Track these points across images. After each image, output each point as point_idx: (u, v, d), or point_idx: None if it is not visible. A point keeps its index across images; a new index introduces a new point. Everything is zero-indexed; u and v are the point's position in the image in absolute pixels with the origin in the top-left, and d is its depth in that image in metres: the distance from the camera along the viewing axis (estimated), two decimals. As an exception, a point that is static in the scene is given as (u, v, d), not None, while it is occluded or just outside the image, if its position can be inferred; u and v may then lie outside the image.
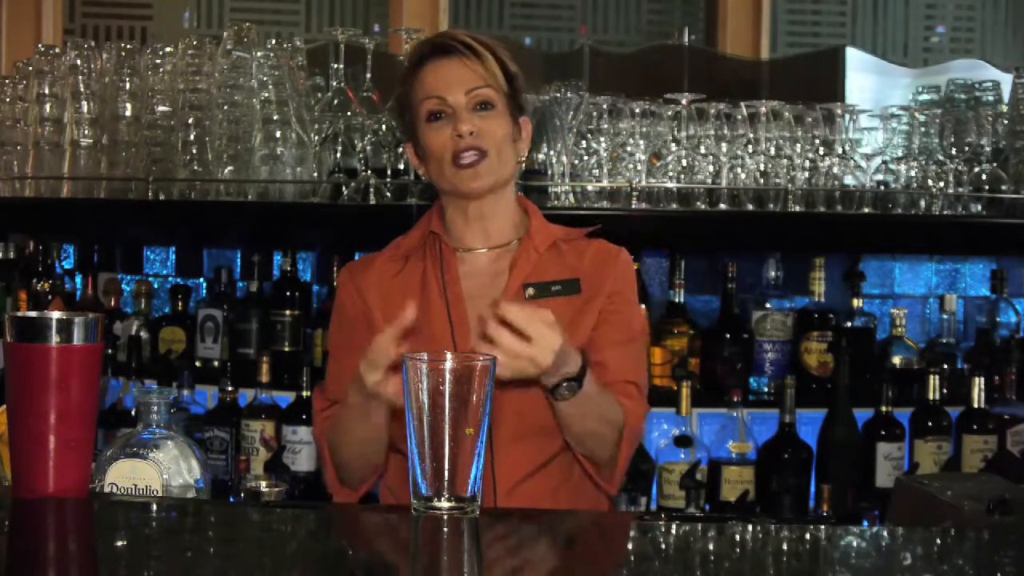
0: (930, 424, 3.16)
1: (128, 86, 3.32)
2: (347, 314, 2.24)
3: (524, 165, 2.33)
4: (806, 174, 3.20)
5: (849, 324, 3.27)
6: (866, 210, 3.19)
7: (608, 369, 2.13)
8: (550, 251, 2.21)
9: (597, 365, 2.08)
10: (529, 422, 2.12)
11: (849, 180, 3.26)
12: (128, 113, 3.31)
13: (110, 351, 3.25)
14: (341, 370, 2.16)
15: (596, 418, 2.07)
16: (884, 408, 3.14)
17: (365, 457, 2.13)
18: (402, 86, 2.24)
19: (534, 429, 2.13)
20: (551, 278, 2.18)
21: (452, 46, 2.17)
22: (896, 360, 3.31)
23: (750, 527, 1.64)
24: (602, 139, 3.16)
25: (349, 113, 3.12)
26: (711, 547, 1.53)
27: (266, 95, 3.15)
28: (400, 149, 3.01)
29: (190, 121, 3.21)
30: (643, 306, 3.14)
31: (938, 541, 1.59)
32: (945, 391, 3.18)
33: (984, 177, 3.32)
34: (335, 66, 3.15)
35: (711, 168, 3.17)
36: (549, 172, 3.12)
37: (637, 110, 3.16)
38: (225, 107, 3.18)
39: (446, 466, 1.56)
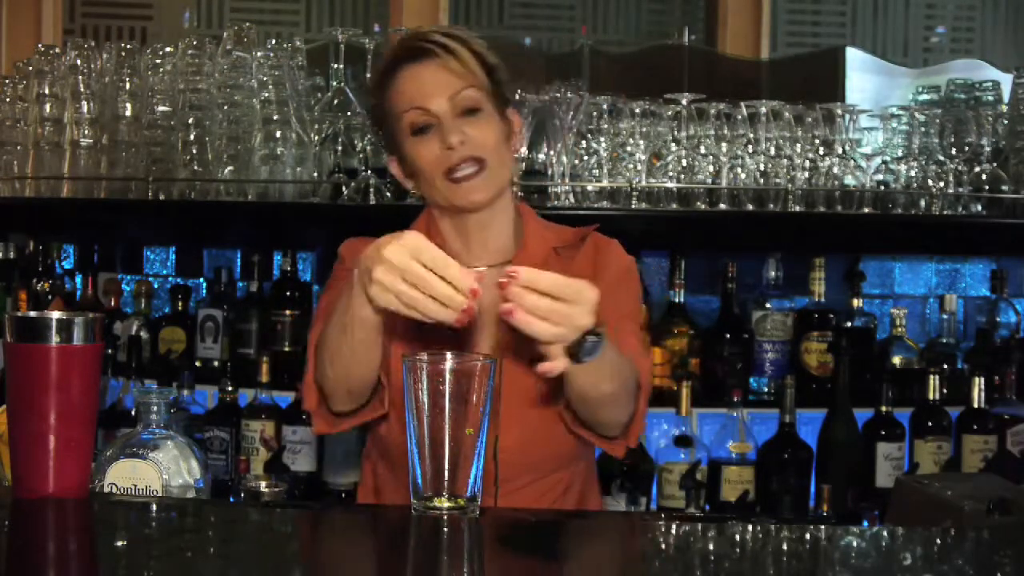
0: (930, 424, 3.16)
1: (128, 86, 3.32)
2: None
3: (523, 163, 2.17)
4: (806, 174, 3.20)
5: (849, 324, 3.27)
6: (866, 210, 3.19)
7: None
8: (548, 260, 2.06)
9: None
10: (536, 456, 2.07)
11: (849, 180, 3.26)
12: (128, 113, 3.31)
13: (110, 351, 3.25)
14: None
15: (613, 379, 1.87)
16: (884, 408, 3.14)
17: (351, 352, 1.85)
18: (376, 97, 2.10)
19: (542, 467, 2.09)
20: None
21: (425, 47, 2.01)
22: (896, 360, 3.31)
23: (750, 527, 1.64)
24: (602, 139, 3.16)
25: (349, 113, 3.12)
26: (711, 547, 1.53)
27: (266, 95, 3.15)
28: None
29: (190, 121, 3.21)
30: (643, 306, 3.15)
31: (938, 541, 1.59)
32: (945, 391, 3.17)
33: (984, 177, 3.32)
34: (335, 66, 3.15)
35: (711, 168, 3.17)
36: (549, 172, 3.11)
37: (637, 110, 3.16)
38: (225, 107, 3.18)
39: (446, 466, 1.56)
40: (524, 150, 3.07)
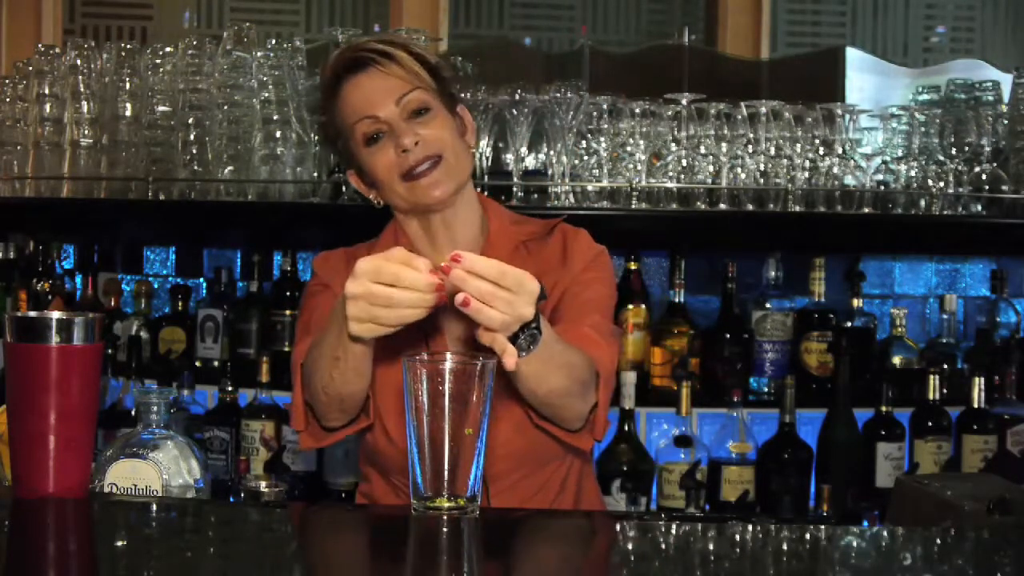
0: (930, 424, 3.16)
1: (128, 86, 3.32)
2: (336, 291, 1.99)
3: (478, 157, 2.13)
4: (806, 174, 3.20)
5: (849, 324, 3.27)
6: (866, 210, 3.19)
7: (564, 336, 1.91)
8: (515, 254, 2.08)
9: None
10: (521, 448, 2.06)
11: (849, 180, 3.26)
12: (128, 113, 3.31)
13: (110, 351, 3.25)
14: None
15: (559, 371, 1.85)
16: (884, 408, 3.14)
17: (343, 379, 1.87)
18: (324, 113, 2.10)
19: (532, 464, 2.08)
20: None
21: (364, 57, 2.03)
22: (896, 360, 3.31)
23: (750, 527, 1.64)
24: (602, 139, 3.16)
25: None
26: (711, 547, 1.53)
27: (266, 95, 3.15)
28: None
29: (190, 121, 3.21)
30: (643, 306, 3.15)
31: (938, 541, 1.59)
32: (945, 391, 3.17)
33: (984, 177, 3.32)
34: (335, 66, 3.15)
35: (711, 168, 3.17)
36: (549, 172, 3.12)
37: (637, 110, 3.16)
38: (225, 107, 3.18)
39: (446, 466, 1.56)
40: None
